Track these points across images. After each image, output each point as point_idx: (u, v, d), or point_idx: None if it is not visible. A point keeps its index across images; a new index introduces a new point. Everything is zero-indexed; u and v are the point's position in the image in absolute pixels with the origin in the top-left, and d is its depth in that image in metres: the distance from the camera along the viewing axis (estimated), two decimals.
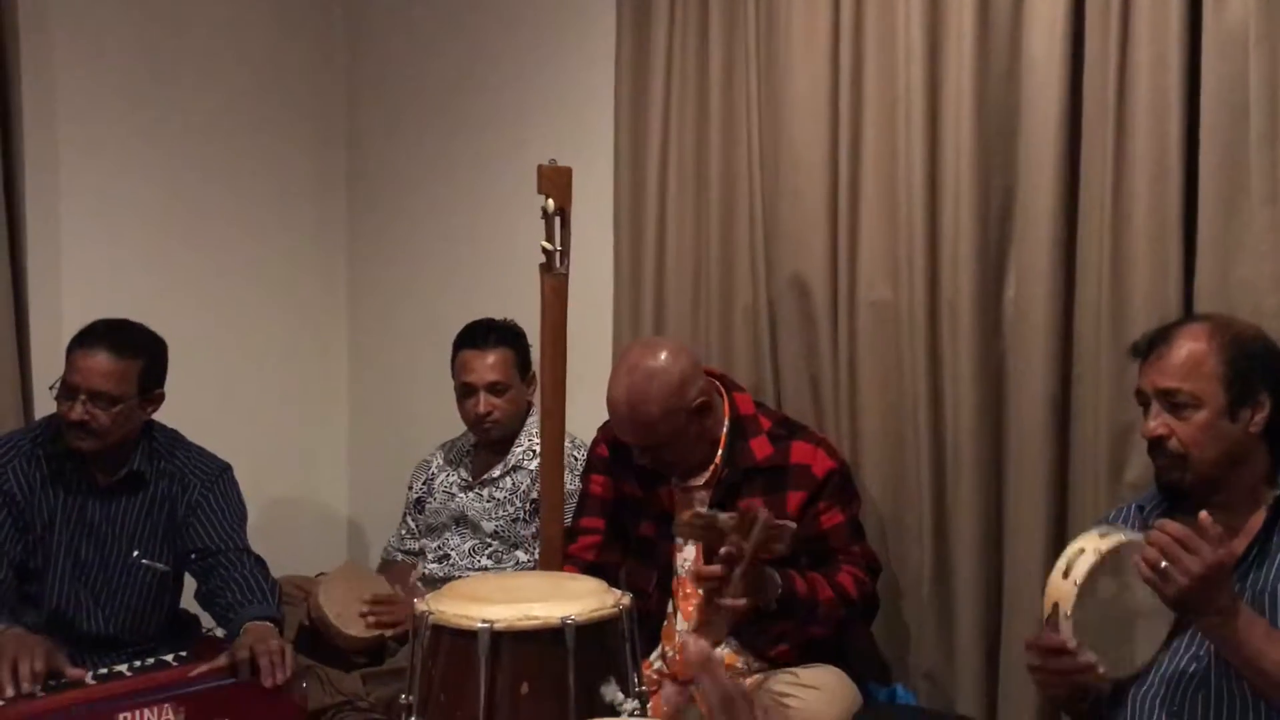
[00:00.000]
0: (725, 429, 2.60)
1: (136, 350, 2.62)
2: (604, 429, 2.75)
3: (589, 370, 2.75)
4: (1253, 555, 1.93)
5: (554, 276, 2.35)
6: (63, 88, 3.37)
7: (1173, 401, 1.96)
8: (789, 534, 2.28)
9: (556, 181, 2.31)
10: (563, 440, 2.48)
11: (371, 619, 2.97)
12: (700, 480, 2.61)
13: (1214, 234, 2.32)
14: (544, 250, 2.32)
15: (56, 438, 2.65)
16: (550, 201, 2.30)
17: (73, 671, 2.32)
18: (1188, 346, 1.97)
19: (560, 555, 2.44)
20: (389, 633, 2.95)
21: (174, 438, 2.78)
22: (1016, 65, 2.57)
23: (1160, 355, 1.99)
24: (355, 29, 3.97)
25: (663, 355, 2.52)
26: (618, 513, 2.74)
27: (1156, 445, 1.99)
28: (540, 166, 2.32)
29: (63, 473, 2.66)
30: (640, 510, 2.68)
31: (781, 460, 2.55)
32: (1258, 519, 1.96)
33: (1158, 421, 1.97)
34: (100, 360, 2.55)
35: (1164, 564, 1.75)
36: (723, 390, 2.65)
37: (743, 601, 2.26)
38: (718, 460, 2.59)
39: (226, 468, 2.79)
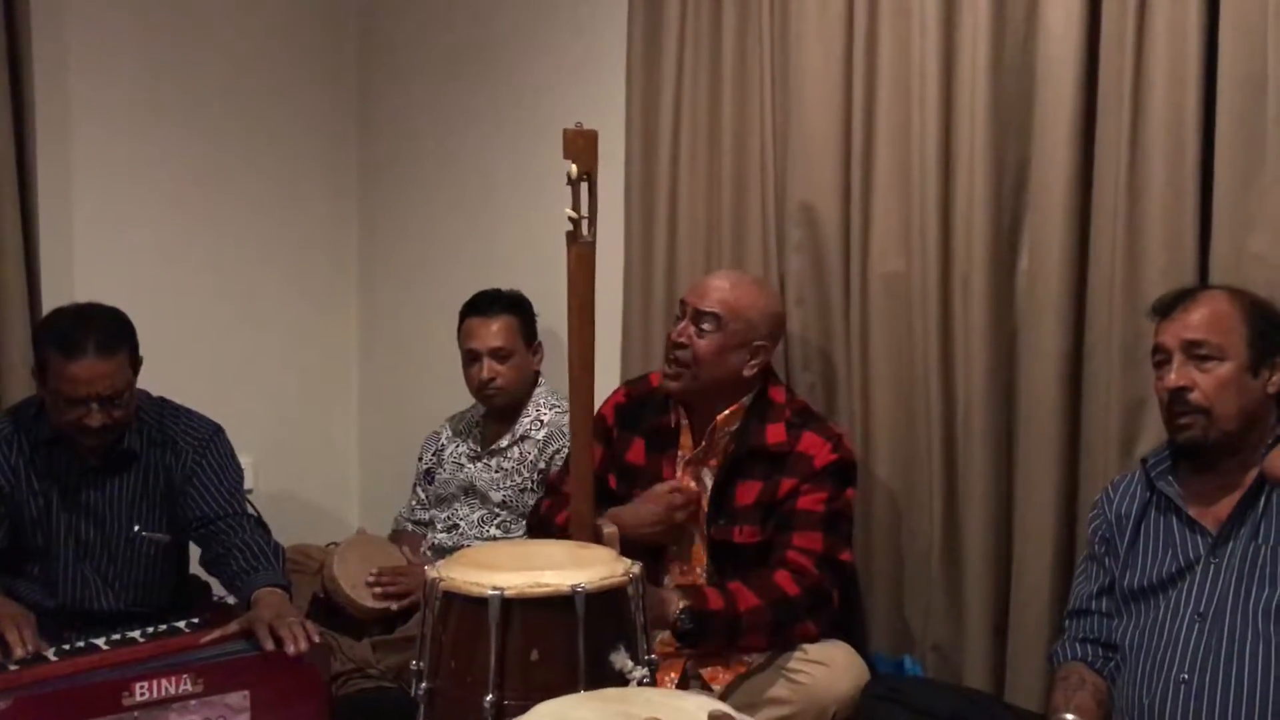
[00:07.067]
0: (748, 400, 2.63)
1: (119, 338, 2.56)
2: (618, 391, 2.83)
3: (599, 340, 2.72)
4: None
5: (580, 245, 2.21)
6: (74, 68, 3.37)
7: (1198, 354, 1.98)
8: None
9: (582, 146, 2.18)
10: (592, 415, 2.37)
11: (378, 590, 2.96)
12: (710, 461, 2.64)
13: (1229, 208, 2.30)
14: (569, 218, 2.20)
15: (40, 422, 2.63)
16: (574, 167, 2.17)
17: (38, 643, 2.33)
18: (1212, 305, 2.02)
19: (590, 532, 2.34)
20: (395, 605, 2.94)
21: (160, 404, 2.74)
22: (1032, 35, 2.54)
23: (1185, 310, 2.02)
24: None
25: (772, 289, 2.80)
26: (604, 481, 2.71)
27: (1178, 398, 1.99)
28: (566, 131, 2.19)
29: (52, 457, 2.64)
30: (635, 480, 2.69)
31: (789, 447, 2.57)
32: (1250, 476, 1.99)
33: (1180, 373, 1.98)
34: (99, 366, 2.49)
35: None
36: (767, 370, 2.68)
37: None
38: (719, 421, 2.60)
39: (218, 429, 2.75)
